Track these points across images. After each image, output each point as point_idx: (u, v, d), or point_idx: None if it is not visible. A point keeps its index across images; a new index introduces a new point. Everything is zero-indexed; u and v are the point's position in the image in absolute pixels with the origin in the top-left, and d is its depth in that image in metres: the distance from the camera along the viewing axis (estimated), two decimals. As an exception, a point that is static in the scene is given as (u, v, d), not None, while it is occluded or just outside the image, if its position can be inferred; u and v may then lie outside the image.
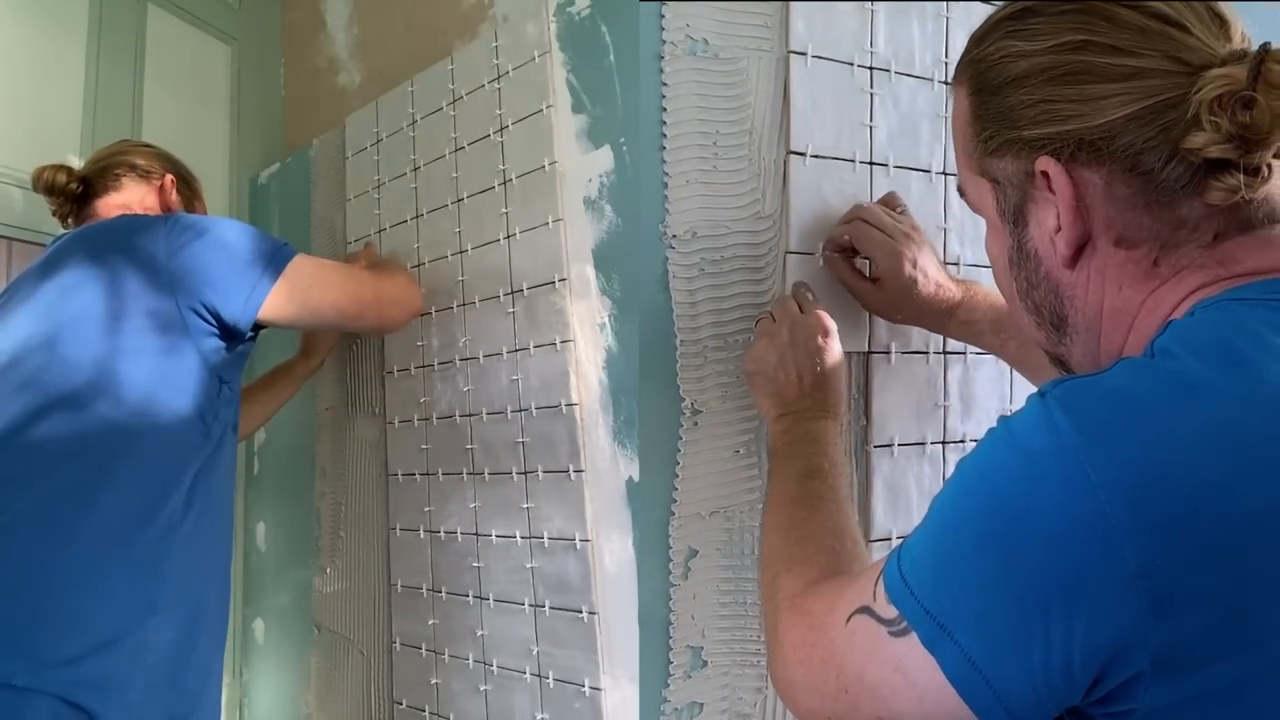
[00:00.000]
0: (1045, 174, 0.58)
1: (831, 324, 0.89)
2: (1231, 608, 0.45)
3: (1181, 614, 0.45)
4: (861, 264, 0.99)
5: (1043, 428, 0.49)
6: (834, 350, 0.88)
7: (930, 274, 0.95)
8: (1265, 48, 0.52)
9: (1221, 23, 0.55)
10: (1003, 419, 0.52)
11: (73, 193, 1.24)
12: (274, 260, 1.12)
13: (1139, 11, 0.55)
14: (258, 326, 1.14)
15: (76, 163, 1.30)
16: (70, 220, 1.27)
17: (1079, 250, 0.59)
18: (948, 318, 0.96)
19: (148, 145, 1.36)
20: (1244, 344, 0.49)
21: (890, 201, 1.00)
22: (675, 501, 0.94)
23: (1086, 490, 0.46)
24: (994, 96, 0.61)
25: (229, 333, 1.11)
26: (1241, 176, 0.52)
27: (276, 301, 1.11)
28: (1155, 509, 0.45)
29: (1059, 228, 0.59)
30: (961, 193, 0.69)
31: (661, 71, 0.94)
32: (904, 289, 0.94)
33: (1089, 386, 0.50)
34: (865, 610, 0.55)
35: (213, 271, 1.08)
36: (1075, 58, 0.56)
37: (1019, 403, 1.07)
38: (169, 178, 1.30)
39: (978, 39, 0.63)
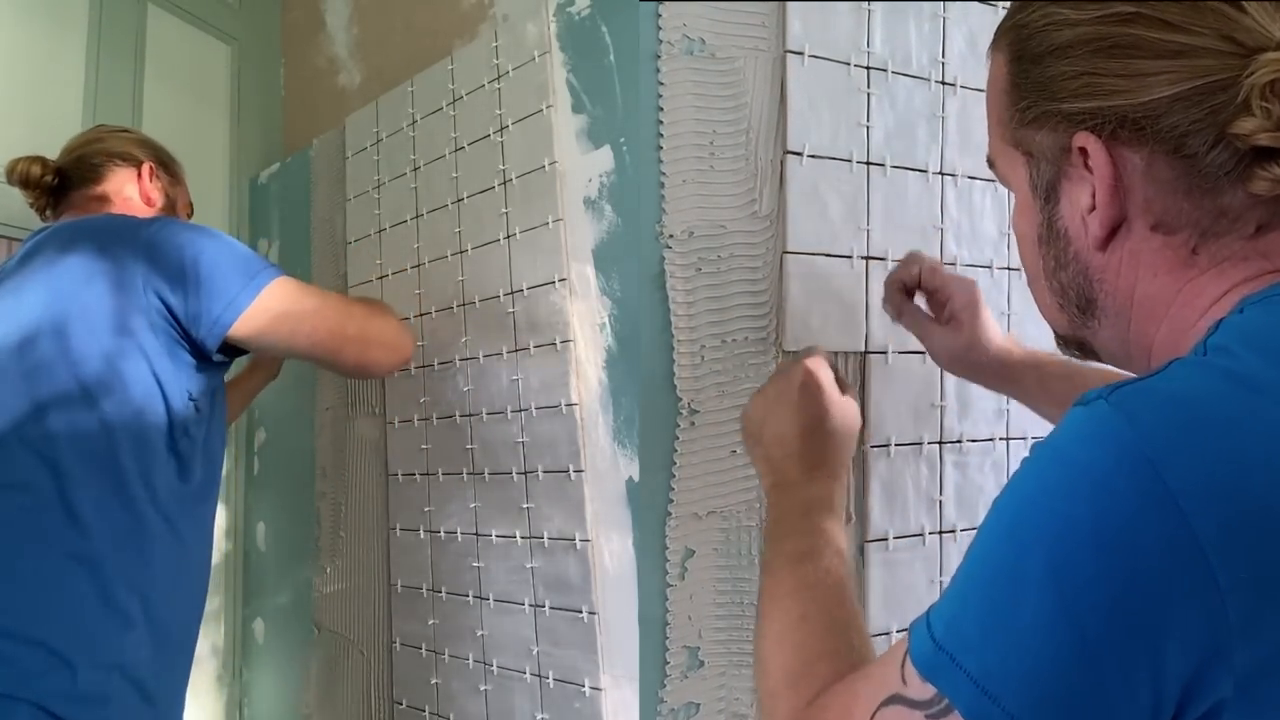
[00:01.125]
0: (1083, 150, 0.55)
1: (821, 373, 0.82)
2: None
3: (1266, 631, 0.41)
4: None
5: (1101, 438, 0.44)
6: (825, 403, 0.81)
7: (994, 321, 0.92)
8: None
9: (1279, 4, 0.52)
10: (1037, 444, 0.48)
11: (49, 185, 1.19)
12: (256, 278, 1.07)
13: None
14: (230, 350, 1.10)
15: None
16: (49, 213, 1.22)
17: (1112, 232, 0.57)
18: (1019, 366, 0.91)
19: (124, 130, 1.31)
20: None
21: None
22: (672, 502, 0.94)
23: (1167, 502, 0.41)
24: (1034, 65, 0.58)
25: (197, 349, 1.06)
26: None
27: (250, 323, 1.06)
28: (1239, 518, 0.42)
29: (1093, 207, 0.56)
30: (991, 164, 0.67)
31: (658, 71, 0.94)
32: (981, 329, 0.90)
33: (1146, 391, 0.46)
34: (894, 699, 0.49)
35: (190, 282, 1.03)
36: (1124, 30, 0.53)
37: (1017, 402, 1.07)
38: (147, 165, 1.26)
39: (1022, 3, 0.61)
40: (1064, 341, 0.66)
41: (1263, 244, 0.53)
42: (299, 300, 1.11)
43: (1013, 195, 0.65)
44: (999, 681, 0.43)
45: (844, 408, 0.82)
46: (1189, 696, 0.42)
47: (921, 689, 0.47)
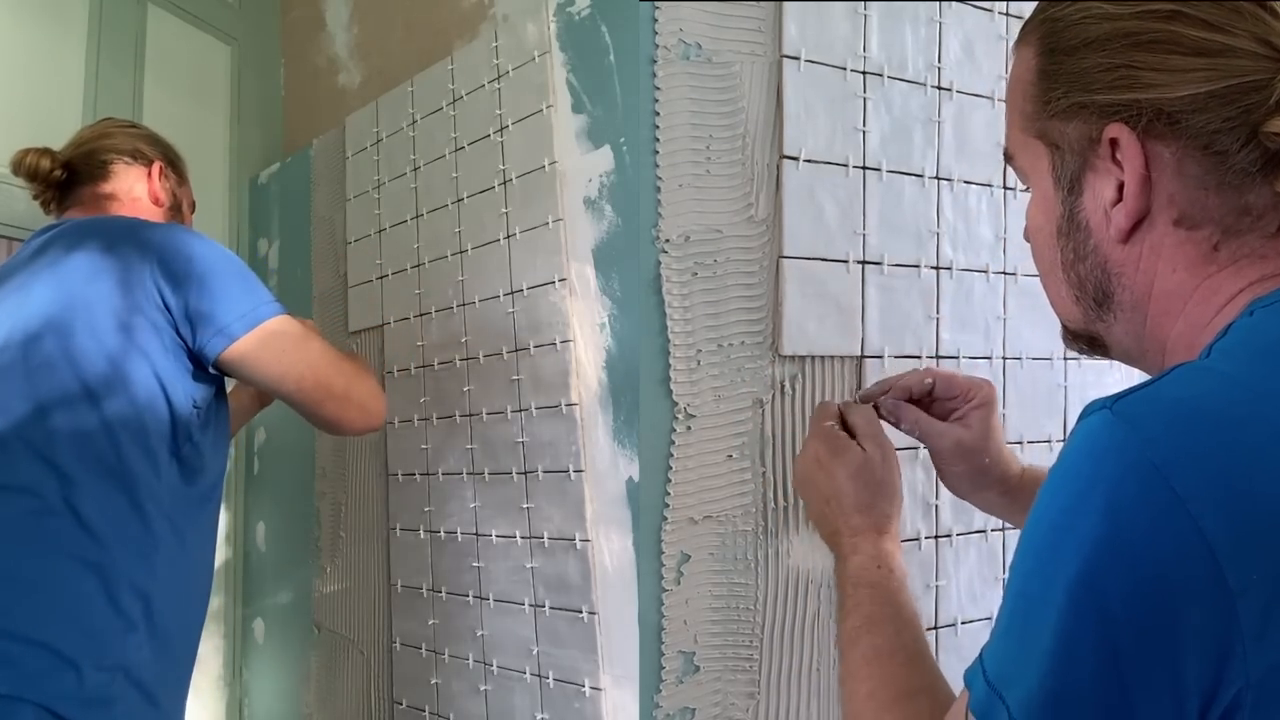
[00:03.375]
0: (1113, 142, 0.57)
1: (831, 432, 0.85)
2: None
3: (1277, 633, 0.42)
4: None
5: (1107, 450, 0.45)
6: (848, 458, 0.84)
7: None
8: None
9: None
10: (1052, 470, 0.49)
11: (56, 179, 1.17)
12: (258, 309, 1.07)
13: None
14: (219, 371, 1.09)
15: None
16: (53, 207, 1.21)
17: (1135, 225, 0.57)
18: (1019, 478, 0.91)
19: (132, 125, 1.29)
20: None
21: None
22: (668, 506, 0.94)
23: (1176, 508, 0.42)
24: (1068, 57, 0.59)
25: (195, 358, 1.06)
26: None
27: (244, 348, 1.05)
28: (1246, 520, 0.42)
29: (1117, 199, 0.57)
30: (1008, 157, 0.67)
31: (655, 76, 0.94)
32: (993, 429, 0.90)
33: (1150, 399, 0.47)
34: None
35: (194, 292, 1.04)
36: (1163, 26, 0.54)
37: (1013, 407, 1.07)
38: (157, 164, 1.24)
39: None
40: (1074, 336, 0.67)
41: None
42: (296, 344, 1.10)
43: (1029, 189, 0.66)
44: (1036, 710, 0.45)
45: (858, 458, 0.84)
46: (1208, 701, 0.43)
47: None
